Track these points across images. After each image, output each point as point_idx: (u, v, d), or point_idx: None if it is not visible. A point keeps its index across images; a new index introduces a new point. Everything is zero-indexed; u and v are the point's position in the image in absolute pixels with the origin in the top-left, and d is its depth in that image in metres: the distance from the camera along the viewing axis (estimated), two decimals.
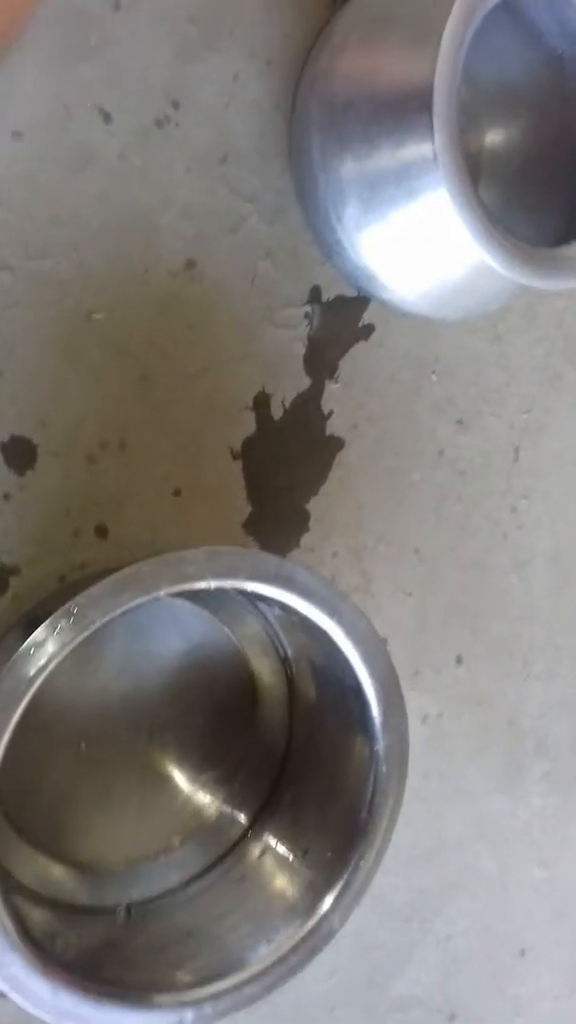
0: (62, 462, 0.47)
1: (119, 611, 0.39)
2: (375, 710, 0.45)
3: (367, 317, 0.55)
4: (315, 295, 0.53)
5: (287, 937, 0.43)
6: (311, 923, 0.43)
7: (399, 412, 0.57)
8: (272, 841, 0.48)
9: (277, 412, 0.53)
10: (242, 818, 0.50)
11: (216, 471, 0.52)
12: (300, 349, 0.53)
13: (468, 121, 0.54)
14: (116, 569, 0.39)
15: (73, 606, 0.38)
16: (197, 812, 0.49)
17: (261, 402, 0.52)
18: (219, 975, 0.42)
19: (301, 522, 0.55)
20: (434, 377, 0.58)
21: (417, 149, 0.44)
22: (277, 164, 0.51)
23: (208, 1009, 0.41)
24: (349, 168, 0.47)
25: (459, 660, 0.61)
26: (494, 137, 0.55)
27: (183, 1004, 0.41)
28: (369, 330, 0.55)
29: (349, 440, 0.56)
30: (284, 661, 0.51)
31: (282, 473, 0.54)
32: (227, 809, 0.50)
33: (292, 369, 0.53)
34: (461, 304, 0.50)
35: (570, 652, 0.64)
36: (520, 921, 0.65)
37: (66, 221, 0.46)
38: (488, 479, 0.61)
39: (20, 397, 0.46)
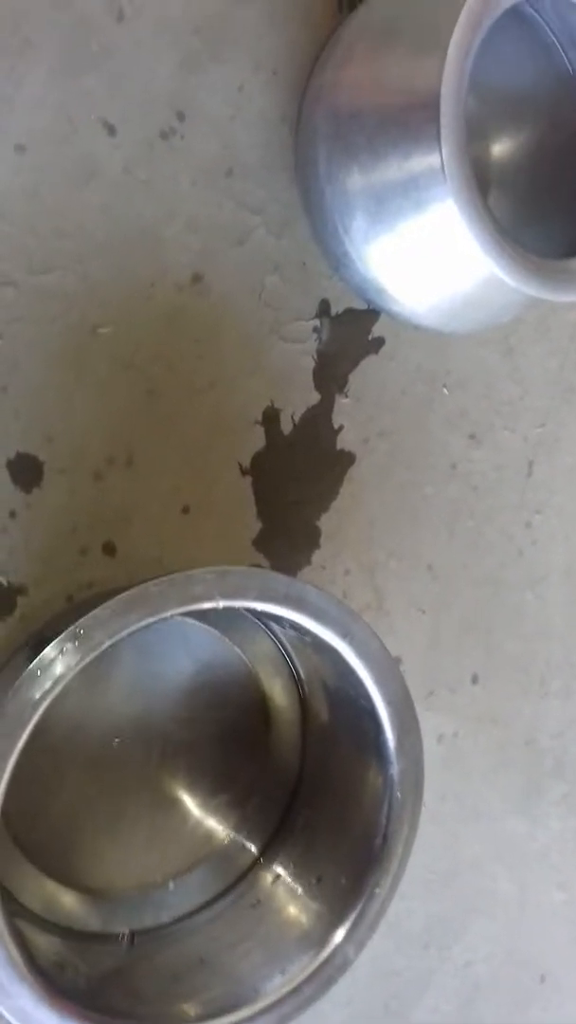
0: (69, 479, 0.47)
1: (126, 632, 0.38)
2: (389, 733, 0.44)
3: (377, 330, 0.54)
4: (324, 308, 0.52)
5: (301, 967, 0.42)
6: (325, 953, 0.42)
7: (411, 426, 0.56)
8: (285, 868, 0.47)
9: (287, 427, 0.52)
10: (255, 844, 0.48)
11: (225, 487, 0.51)
12: (309, 363, 0.52)
13: (476, 131, 0.53)
14: (123, 589, 0.38)
15: (79, 628, 0.37)
16: (209, 837, 0.48)
17: (270, 417, 0.52)
18: (232, 1007, 0.41)
19: (312, 538, 0.54)
20: (446, 391, 0.57)
21: (424, 160, 0.43)
22: (283, 176, 0.50)
23: None
24: (356, 180, 0.46)
25: (475, 679, 0.60)
26: (502, 147, 0.54)
27: None
28: (379, 343, 0.54)
29: (360, 455, 0.55)
30: (297, 682, 0.50)
31: (292, 489, 0.53)
32: (239, 834, 0.48)
33: (301, 383, 0.52)
34: (472, 317, 0.49)
35: None
36: (540, 946, 0.63)
37: (70, 234, 0.45)
38: (502, 494, 0.60)
39: (25, 413, 0.45)
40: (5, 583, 0.45)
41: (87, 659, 0.37)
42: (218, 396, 0.50)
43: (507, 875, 0.62)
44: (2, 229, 0.44)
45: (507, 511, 0.60)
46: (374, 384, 0.55)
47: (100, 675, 0.47)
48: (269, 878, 0.47)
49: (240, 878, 0.48)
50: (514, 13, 0.46)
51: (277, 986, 0.42)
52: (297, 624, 0.42)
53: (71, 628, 0.37)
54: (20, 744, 0.36)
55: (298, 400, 0.52)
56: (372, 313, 0.54)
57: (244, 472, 0.51)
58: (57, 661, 0.37)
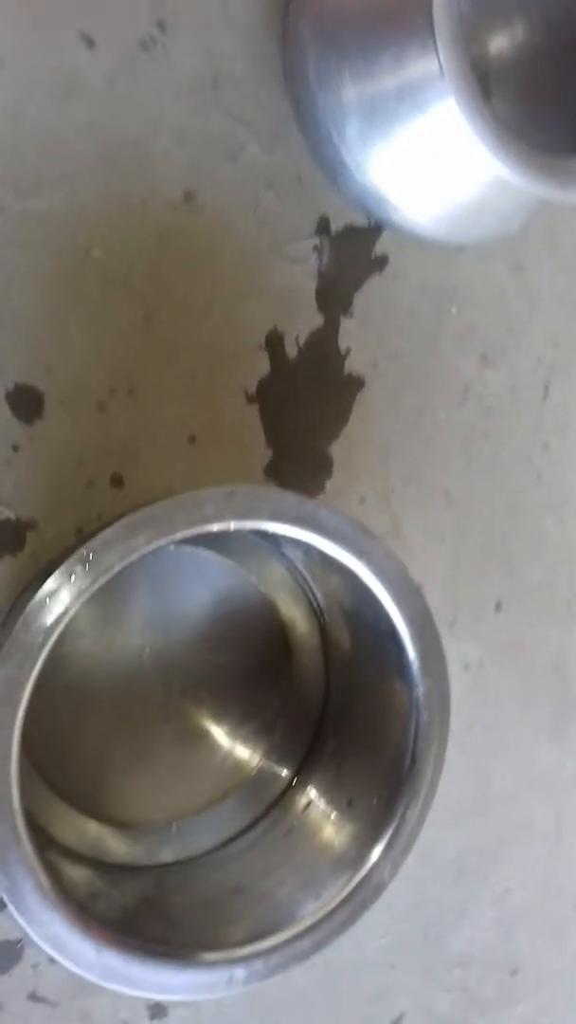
0: (70, 410, 0.45)
1: (136, 555, 0.37)
2: (412, 654, 0.43)
3: (380, 248, 0.52)
4: (323, 226, 0.51)
5: (336, 891, 0.41)
6: (360, 875, 0.41)
7: (420, 348, 0.55)
8: (316, 792, 0.46)
9: (291, 351, 0.51)
10: (284, 770, 0.47)
11: (231, 415, 0.49)
12: (311, 284, 0.51)
13: (471, 32, 0.51)
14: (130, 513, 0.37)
15: (87, 551, 0.36)
16: (238, 766, 0.47)
17: (274, 341, 0.50)
18: (268, 931, 0.40)
19: (324, 466, 0.52)
20: (454, 310, 0.55)
21: (419, 58, 0.41)
22: (273, 88, 0.48)
23: (259, 965, 0.39)
24: (347, 84, 0.44)
25: (498, 606, 0.58)
26: (500, 46, 0.52)
27: (232, 961, 0.39)
28: (383, 262, 0.53)
29: (369, 379, 0.53)
30: (316, 609, 0.49)
31: (301, 415, 0.51)
32: (269, 762, 0.48)
33: (304, 305, 0.51)
34: (477, 225, 0.48)
35: None
36: None
37: (55, 154, 0.44)
38: (518, 416, 0.58)
39: (21, 343, 0.44)
40: (13, 518, 0.44)
41: (97, 583, 0.36)
42: (218, 319, 0.48)
43: (540, 804, 0.61)
44: None
45: (524, 434, 0.58)
46: (380, 305, 0.53)
47: (116, 610, 0.46)
48: (300, 805, 0.47)
49: (271, 806, 0.47)
50: None
51: (312, 910, 0.41)
52: (311, 546, 0.41)
53: (79, 551, 0.36)
54: (36, 671, 0.36)
55: (301, 323, 0.51)
56: (374, 230, 0.52)
57: (250, 399, 0.50)
58: (66, 587, 0.36)
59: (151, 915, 0.41)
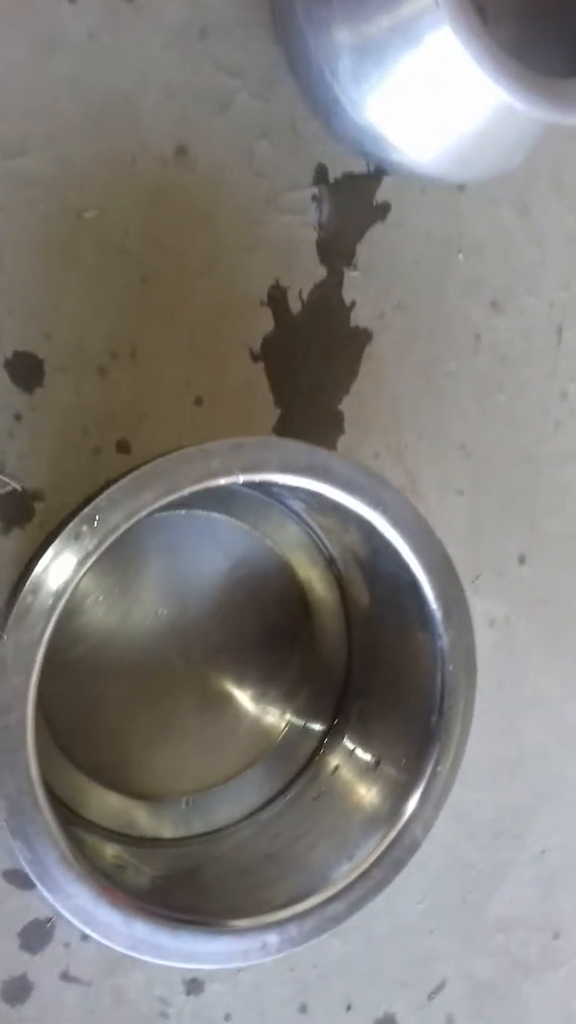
0: (72, 376, 0.44)
1: (143, 513, 0.36)
2: (433, 604, 0.41)
3: (381, 195, 0.51)
4: (321, 174, 0.49)
5: (368, 852, 0.40)
6: (392, 834, 0.40)
7: (428, 297, 0.53)
8: (344, 755, 0.45)
9: (295, 306, 0.49)
10: (311, 734, 0.47)
11: (237, 374, 0.48)
12: (312, 235, 0.49)
13: None
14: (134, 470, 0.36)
15: (93, 510, 0.35)
16: (264, 733, 0.46)
17: (276, 296, 0.49)
18: (301, 896, 0.39)
19: (335, 423, 0.51)
20: (461, 256, 0.54)
21: None
22: (261, 34, 0.47)
23: (293, 931, 0.38)
24: (337, 18, 0.42)
25: (521, 559, 0.57)
26: None
27: (265, 927, 0.38)
28: (385, 209, 0.51)
29: (376, 331, 0.52)
30: (333, 568, 0.47)
31: (308, 372, 0.50)
32: (295, 727, 0.47)
33: (306, 258, 0.49)
34: (479, 160, 0.46)
35: None
36: None
37: (40, 113, 0.43)
38: (532, 364, 0.56)
39: (17, 309, 0.43)
40: (20, 489, 0.43)
41: (105, 543, 0.35)
42: (218, 278, 0.47)
43: (574, 760, 0.59)
44: None
45: (539, 382, 0.57)
46: (384, 254, 0.51)
47: (131, 579, 0.45)
48: (329, 768, 0.45)
49: (299, 772, 0.46)
50: None
51: (345, 873, 0.40)
52: (324, 497, 0.40)
53: (84, 511, 0.35)
54: (47, 636, 0.35)
55: (304, 276, 0.49)
56: (374, 176, 0.50)
57: (255, 357, 0.48)
58: (73, 548, 0.35)
59: (181, 885, 0.40)
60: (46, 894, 0.35)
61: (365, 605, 0.46)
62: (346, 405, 0.51)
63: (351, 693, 0.47)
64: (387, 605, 0.45)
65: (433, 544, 0.41)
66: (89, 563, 0.35)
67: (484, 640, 0.55)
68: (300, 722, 0.47)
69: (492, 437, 0.56)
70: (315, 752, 0.46)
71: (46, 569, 0.35)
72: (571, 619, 0.59)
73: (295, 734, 0.47)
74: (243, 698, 0.47)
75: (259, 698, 0.47)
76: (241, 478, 0.38)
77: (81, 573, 0.35)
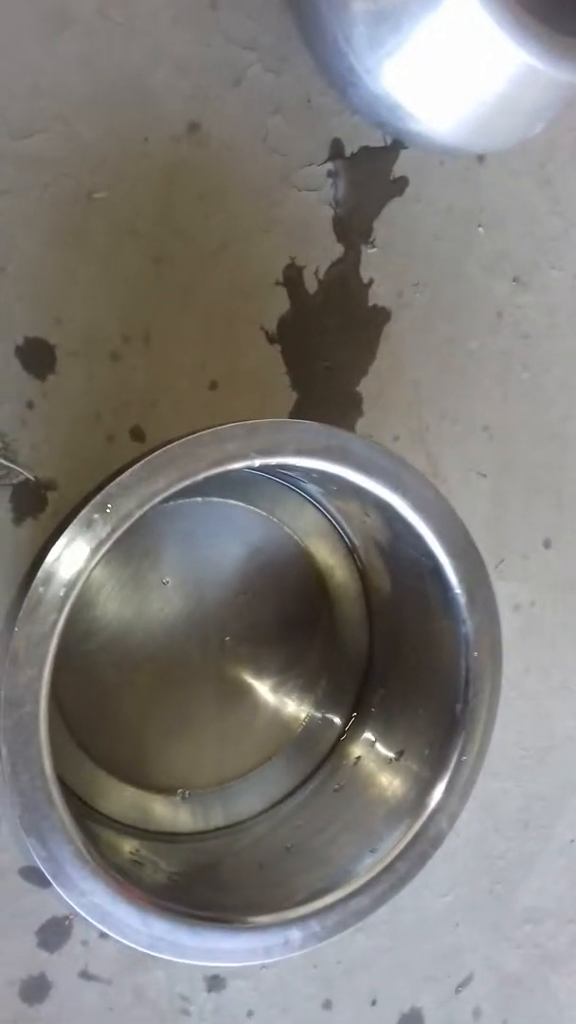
0: (84, 362, 0.43)
1: (156, 499, 0.35)
2: (457, 588, 0.40)
3: (399, 169, 0.49)
4: (337, 149, 0.48)
5: (392, 844, 0.39)
6: (417, 826, 0.39)
7: (448, 274, 0.51)
8: (366, 745, 0.44)
9: (311, 285, 0.48)
10: (332, 725, 0.46)
11: (253, 357, 0.47)
12: (328, 212, 0.48)
13: None
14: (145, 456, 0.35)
15: (105, 497, 0.34)
16: (284, 724, 0.45)
17: (292, 276, 0.47)
18: (324, 890, 0.38)
19: (354, 405, 0.50)
20: (482, 231, 0.52)
21: None
22: (274, 4, 0.45)
23: (315, 926, 0.37)
24: None
25: (547, 543, 0.55)
26: None
27: (287, 923, 0.37)
28: (403, 184, 0.50)
29: (395, 310, 0.50)
30: (353, 555, 0.46)
31: (325, 353, 0.49)
32: (315, 717, 0.46)
33: (322, 236, 0.48)
34: (501, 127, 0.44)
35: None
36: None
37: (49, 92, 0.41)
38: (556, 340, 0.55)
39: (28, 294, 0.42)
40: (33, 479, 0.43)
41: (118, 531, 0.34)
42: (232, 258, 0.46)
43: None
44: None
45: (564, 358, 0.55)
46: (402, 230, 0.50)
47: (145, 570, 0.44)
48: (350, 760, 0.44)
49: (320, 763, 0.45)
50: None
51: (369, 866, 0.39)
52: (343, 479, 0.38)
53: (96, 498, 0.34)
54: (60, 627, 0.34)
55: (320, 255, 0.48)
56: (391, 149, 0.49)
57: (271, 339, 0.47)
58: (85, 537, 0.34)
59: (199, 881, 0.39)
60: (60, 891, 0.34)
61: (386, 592, 0.45)
62: (365, 387, 0.50)
63: (373, 682, 0.45)
64: (409, 591, 0.44)
65: (456, 527, 0.40)
66: (102, 552, 0.34)
67: (509, 625, 0.54)
68: (320, 713, 0.46)
69: (516, 417, 0.54)
70: (336, 743, 0.45)
71: (58, 559, 0.34)
72: None
73: (315, 725, 0.46)
74: (262, 689, 0.46)
75: (278, 689, 0.46)
76: (257, 461, 0.36)
77: (94, 562, 0.34)
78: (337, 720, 0.46)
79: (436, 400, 0.52)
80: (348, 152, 0.48)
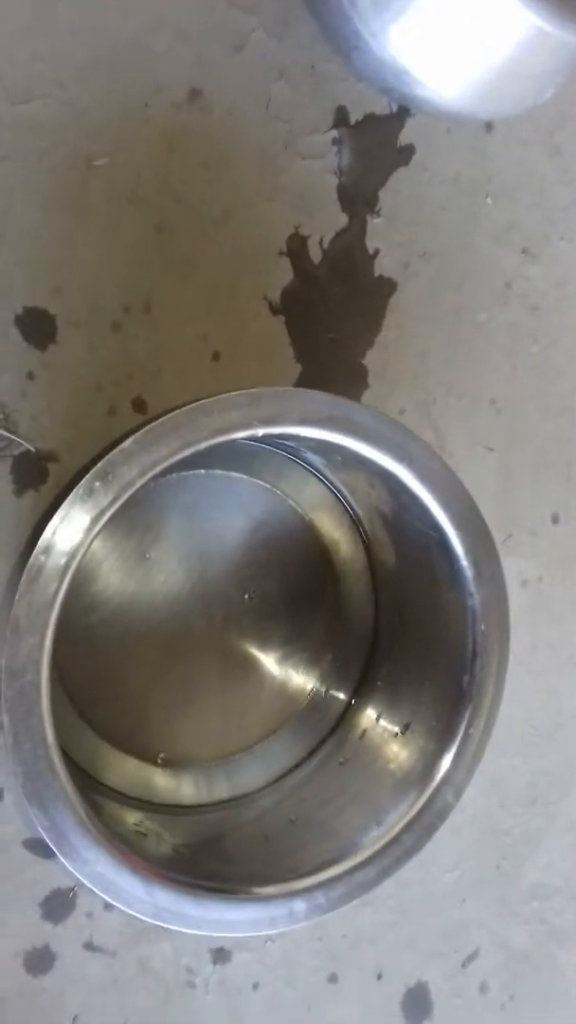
0: (85, 332, 0.43)
1: (158, 468, 0.34)
2: (464, 561, 0.40)
3: (405, 137, 0.49)
4: (342, 117, 0.47)
5: (399, 816, 0.39)
6: (424, 798, 0.39)
7: (455, 244, 0.51)
8: (372, 719, 0.44)
9: (315, 255, 0.47)
10: (338, 698, 0.45)
11: (256, 328, 0.46)
12: (332, 181, 0.47)
13: None
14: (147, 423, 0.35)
15: (107, 465, 0.34)
16: (289, 697, 0.45)
17: (296, 245, 0.47)
18: (329, 862, 0.38)
19: (359, 378, 0.49)
20: (490, 201, 0.51)
21: None
22: None
23: (320, 898, 0.37)
24: None
25: (555, 518, 0.55)
26: None
27: (292, 894, 0.37)
28: (409, 152, 0.49)
29: (401, 281, 0.50)
30: (358, 528, 0.46)
31: (330, 324, 0.48)
32: (321, 691, 0.45)
33: (326, 205, 0.47)
34: (509, 92, 0.43)
35: None
36: None
37: (47, 57, 0.41)
38: (566, 312, 0.54)
39: (27, 263, 0.41)
40: (34, 450, 0.42)
41: (120, 500, 0.34)
42: (235, 226, 0.45)
43: None
44: None
45: (574, 331, 0.54)
46: (408, 200, 0.49)
47: (148, 543, 0.44)
48: (356, 733, 0.44)
49: (326, 737, 0.45)
50: None
51: (375, 838, 0.39)
52: (348, 450, 0.38)
53: (97, 466, 0.34)
54: (61, 596, 0.33)
55: (325, 224, 0.47)
56: (396, 116, 0.48)
57: (275, 310, 0.47)
58: (86, 505, 0.34)
59: (204, 853, 0.39)
60: (64, 860, 0.34)
61: (392, 565, 0.45)
62: (370, 359, 0.49)
63: (378, 655, 0.45)
64: (415, 564, 0.43)
65: (463, 498, 0.40)
66: (104, 520, 0.34)
67: (517, 601, 0.53)
68: (326, 686, 0.46)
69: (524, 390, 0.53)
70: (342, 716, 0.45)
71: (59, 528, 0.34)
72: None
73: (321, 698, 0.46)
74: (267, 662, 0.45)
75: (283, 662, 0.45)
76: (260, 431, 0.36)
77: (95, 531, 0.34)
78: (343, 693, 0.46)
79: (443, 373, 0.51)
80: (353, 120, 0.47)
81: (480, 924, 0.53)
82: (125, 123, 0.43)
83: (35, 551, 0.33)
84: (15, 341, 0.42)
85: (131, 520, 0.43)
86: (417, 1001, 0.52)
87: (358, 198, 0.48)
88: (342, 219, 0.48)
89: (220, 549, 0.45)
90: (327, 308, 0.48)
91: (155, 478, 0.35)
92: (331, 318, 0.48)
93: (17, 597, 0.33)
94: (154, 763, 0.43)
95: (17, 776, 0.33)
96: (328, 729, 0.45)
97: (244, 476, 0.45)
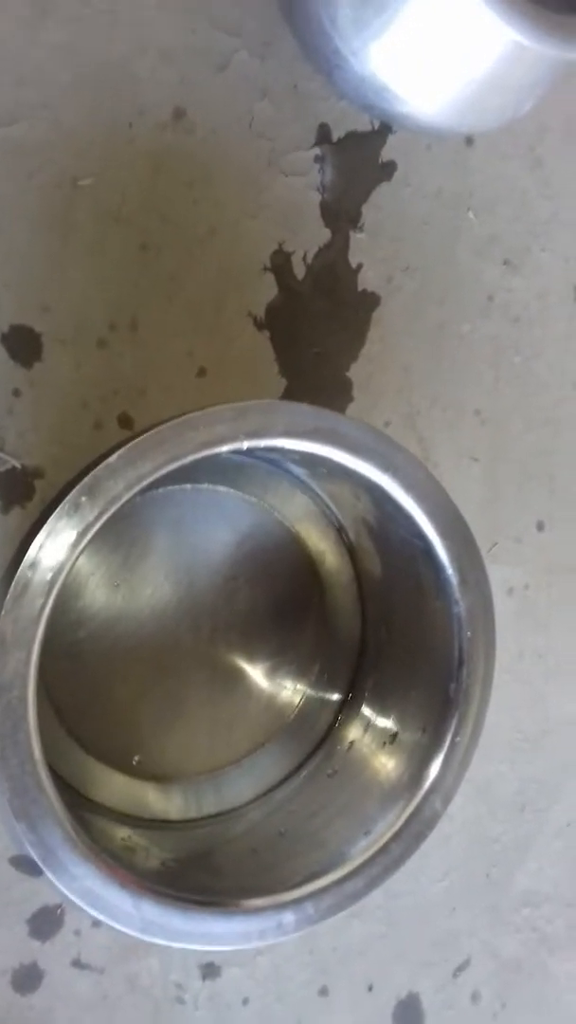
0: (71, 349, 0.43)
1: (144, 483, 0.35)
2: (450, 570, 0.40)
3: (386, 153, 0.49)
4: (324, 134, 0.48)
5: (387, 826, 0.39)
6: (411, 807, 0.39)
7: (438, 258, 0.51)
8: (360, 729, 0.44)
9: (299, 271, 0.48)
10: (326, 710, 0.45)
11: (241, 344, 0.47)
12: (315, 197, 0.48)
13: None
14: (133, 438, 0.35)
15: (92, 480, 0.34)
16: (277, 710, 0.45)
17: (280, 261, 0.47)
18: (318, 874, 0.38)
19: (344, 391, 0.50)
20: (471, 215, 0.52)
21: None
22: None
23: (309, 909, 0.37)
24: None
25: (540, 526, 0.55)
26: None
27: (281, 906, 0.37)
28: (391, 168, 0.50)
29: (385, 295, 0.50)
30: (344, 539, 0.46)
31: (314, 339, 0.49)
32: (309, 702, 0.46)
33: (310, 221, 0.48)
34: (489, 106, 0.44)
35: None
36: None
37: (33, 79, 0.41)
38: (548, 324, 0.55)
39: (13, 282, 0.42)
40: (20, 467, 0.43)
41: (106, 514, 0.34)
42: (220, 244, 0.46)
43: None
44: None
45: (556, 342, 0.55)
46: (391, 215, 0.50)
47: (135, 557, 0.44)
48: (344, 744, 0.44)
49: (314, 750, 0.45)
50: None
51: (363, 848, 0.39)
52: (332, 462, 0.38)
53: (84, 481, 0.34)
54: (47, 611, 0.34)
55: (308, 240, 0.48)
56: (378, 133, 0.49)
57: (259, 325, 0.47)
58: (72, 520, 0.34)
59: (192, 867, 0.39)
60: (51, 876, 0.34)
61: (378, 575, 0.45)
62: (355, 372, 0.50)
63: (366, 666, 0.45)
64: (401, 574, 0.44)
65: (447, 507, 0.40)
66: (90, 535, 0.34)
67: (503, 609, 0.54)
68: (314, 697, 0.46)
69: (508, 401, 0.54)
70: (330, 728, 0.45)
71: (45, 543, 0.34)
72: None
73: (309, 710, 0.46)
74: (255, 675, 0.45)
75: (271, 674, 0.46)
76: (246, 444, 0.36)
77: (82, 546, 0.34)
78: (331, 704, 0.46)
79: (427, 385, 0.52)
80: (335, 137, 0.48)
81: (471, 933, 0.54)
82: (110, 143, 0.43)
83: (21, 566, 0.34)
84: (1, 359, 0.42)
85: (117, 535, 0.43)
86: (409, 1012, 0.52)
87: (341, 214, 0.49)
88: (325, 235, 0.48)
89: (207, 563, 0.45)
90: (311, 323, 0.48)
91: (141, 492, 0.35)
92: (315, 332, 0.48)
93: (3, 612, 0.33)
94: (143, 778, 0.43)
95: (4, 792, 0.33)
96: (316, 741, 0.45)
97: (230, 489, 0.45)
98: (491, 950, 0.54)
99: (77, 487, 0.34)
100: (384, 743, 0.43)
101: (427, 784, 0.39)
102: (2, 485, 0.42)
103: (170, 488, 0.44)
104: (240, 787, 0.44)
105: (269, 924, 0.37)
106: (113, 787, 0.43)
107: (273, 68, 0.46)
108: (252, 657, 0.45)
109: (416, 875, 0.51)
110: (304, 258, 0.48)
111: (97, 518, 0.34)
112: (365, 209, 0.49)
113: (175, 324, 0.45)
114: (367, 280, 0.50)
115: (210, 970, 0.47)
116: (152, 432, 0.35)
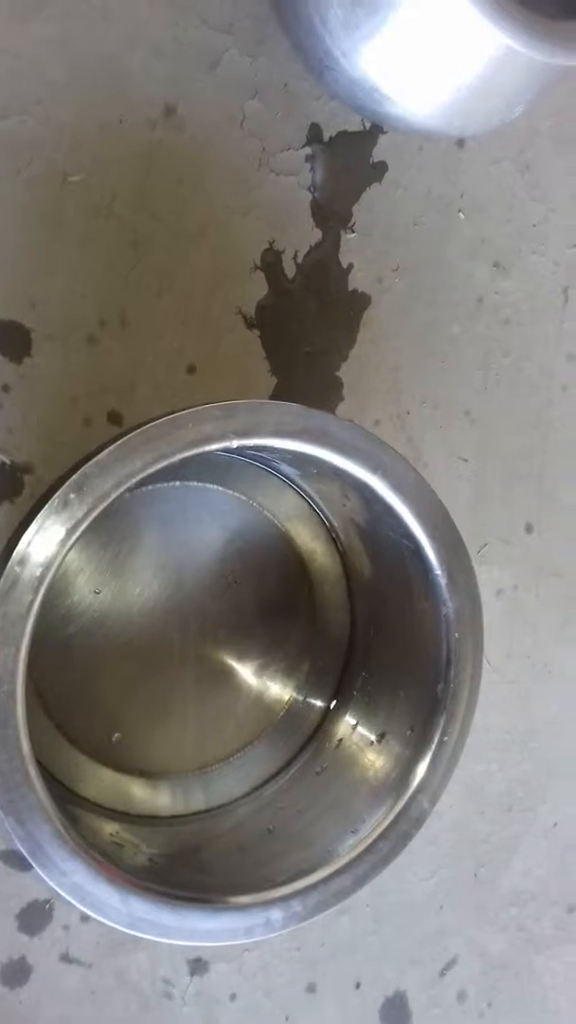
0: (60, 346, 0.43)
1: (133, 480, 0.35)
2: (438, 570, 0.40)
3: (377, 154, 0.49)
4: (315, 134, 0.48)
5: (374, 824, 0.39)
6: (399, 806, 0.39)
7: (428, 259, 0.52)
8: (348, 727, 0.44)
9: (290, 270, 0.48)
10: (314, 708, 0.46)
11: (231, 342, 0.47)
12: (306, 197, 0.48)
13: None
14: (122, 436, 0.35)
15: (82, 478, 0.34)
16: (266, 708, 0.45)
17: (271, 260, 0.47)
18: (305, 871, 0.38)
19: (334, 390, 0.50)
20: (462, 216, 0.52)
21: None
22: None
23: (297, 906, 0.37)
24: None
25: (529, 528, 0.55)
26: None
27: (268, 903, 0.37)
28: (382, 169, 0.50)
29: (375, 295, 0.50)
30: (333, 539, 0.46)
31: (304, 338, 0.49)
32: (297, 701, 0.46)
33: (300, 220, 0.48)
34: (479, 109, 0.44)
35: None
36: None
37: (25, 74, 0.41)
38: (537, 326, 0.55)
39: (3, 277, 0.42)
40: (8, 462, 0.43)
41: (95, 511, 0.34)
42: (210, 242, 0.46)
43: None
44: None
45: (545, 344, 0.55)
46: (382, 215, 0.50)
47: (124, 555, 0.44)
48: (332, 742, 0.44)
49: (302, 747, 0.45)
50: None
51: (350, 846, 0.39)
52: (322, 461, 0.38)
53: (72, 478, 0.34)
54: (36, 607, 0.33)
55: (299, 239, 0.48)
56: (369, 134, 0.49)
57: (250, 324, 0.47)
58: (61, 517, 0.34)
59: (181, 863, 0.39)
60: (40, 872, 0.34)
61: (367, 575, 0.45)
62: (345, 372, 0.50)
63: (354, 665, 0.45)
64: (390, 574, 0.44)
65: (436, 508, 0.40)
66: (79, 532, 0.34)
67: (492, 609, 0.54)
68: (302, 696, 0.46)
69: (497, 402, 0.54)
70: (318, 726, 0.45)
71: (34, 539, 0.34)
72: None
73: (297, 708, 0.46)
74: (244, 673, 0.46)
75: (260, 672, 0.46)
76: (235, 443, 0.36)
77: (70, 542, 0.34)
78: (319, 703, 0.46)
79: (417, 385, 0.52)
80: (326, 137, 0.48)
81: (458, 932, 0.54)
82: (101, 140, 0.43)
83: (10, 562, 0.33)
84: None
85: (107, 532, 0.43)
86: (395, 1010, 0.52)
87: (332, 214, 0.49)
88: (316, 234, 0.48)
89: (196, 560, 0.45)
90: (302, 322, 0.48)
91: (130, 490, 0.35)
92: (306, 332, 0.49)
93: None
94: (132, 774, 0.43)
95: None
96: (305, 739, 0.45)
97: (219, 488, 0.45)
98: (478, 949, 0.54)
99: (66, 484, 0.34)
100: (372, 742, 0.43)
101: (415, 783, 0.39)
102: None
103: (159, 486, 0.44)
104: (228, 784, 0.44)
105: (257, 921, 0.37)
106: (102, 783, 0.43)
107: (264, 67, 0.46)
108: (241, 655, 0.45)
109: (404, 873, 0.51)
110: (295, 257, 0.48)
111: (86, 515, 0.34)
112: (356, 209, 0.49)
113: (165, 321, 0.45)
114: (357, 280, 0.50)
115: (198, 966, 0.47)
116: (141, 430, 0.35)
